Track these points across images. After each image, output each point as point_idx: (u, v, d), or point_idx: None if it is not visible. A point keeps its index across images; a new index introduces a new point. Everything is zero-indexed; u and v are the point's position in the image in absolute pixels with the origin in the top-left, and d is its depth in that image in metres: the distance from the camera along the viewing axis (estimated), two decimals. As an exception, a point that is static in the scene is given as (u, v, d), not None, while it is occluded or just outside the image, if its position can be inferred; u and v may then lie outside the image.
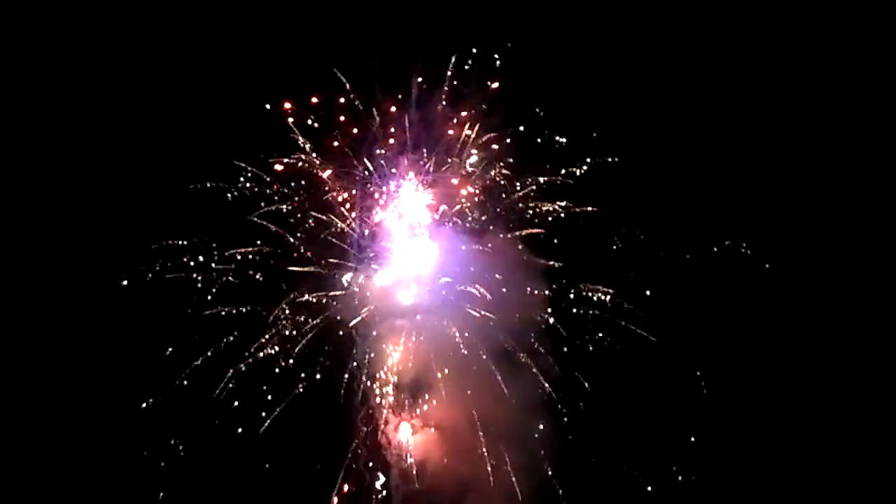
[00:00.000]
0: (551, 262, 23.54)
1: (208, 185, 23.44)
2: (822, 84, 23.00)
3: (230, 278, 23.66)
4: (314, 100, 23.96)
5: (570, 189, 23.79)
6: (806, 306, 22.27)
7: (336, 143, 24.21)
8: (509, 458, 22.85)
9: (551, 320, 23.46)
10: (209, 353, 22.91)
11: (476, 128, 23.83)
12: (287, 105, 23.82)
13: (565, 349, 23.27)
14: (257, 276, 23.88)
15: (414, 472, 23.70)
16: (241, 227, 23.71)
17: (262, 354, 23.38)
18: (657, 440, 22.51)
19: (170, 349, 22.80)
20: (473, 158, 24.26)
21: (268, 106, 23.66)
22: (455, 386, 23.56)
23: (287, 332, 23.63)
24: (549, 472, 22.91)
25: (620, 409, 22.97)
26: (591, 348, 23.44)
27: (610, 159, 23.52)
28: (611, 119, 23.05)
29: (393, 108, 24.02)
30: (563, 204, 23.72)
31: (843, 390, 21.69)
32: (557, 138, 23.76)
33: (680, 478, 22.51)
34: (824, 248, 22.41)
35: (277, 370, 23.33)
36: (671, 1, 22.21)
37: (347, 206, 24.38)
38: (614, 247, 23.61)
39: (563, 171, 23.85)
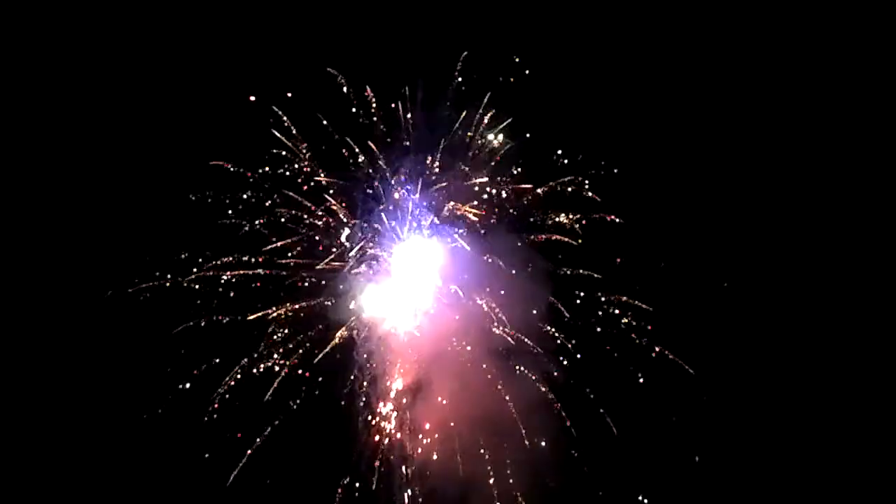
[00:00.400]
0: (562, 270, 23.40)
1: (201, 195, 22.77)
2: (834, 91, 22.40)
3: (225, 287, 23.16)
4: (311, 101, 23.17)
5: (580, 197, 23.39)
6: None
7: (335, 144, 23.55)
8: (510, 460, 22.99)
9: (553, 329, 23.30)
10: (206, 366, 22.63)
11: (484, 125, 23.32)
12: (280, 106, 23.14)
13: (564, 360, 23.18)
14: (254, 284, 23.36)
15: (416, 474, 23.62)
16: (236, 235, 23.26)
17: (260, 363, 23.10)
18: (659, 452, 22.62)
19: (167, 361, 22.44)
20: (499, 136, 23.48)
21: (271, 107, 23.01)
22: (457, 388, 23.49)
23: (286, 339, 23.32)
24: (551, 477, 23.03)
25: (624, 417, 22.91)
26: (597, 357, 23.32)
27: (617, 170, 23.10)
28: (619, 128, 22.38)
29: (395, 108, 23.32)
30: (573, 215, 23.31)
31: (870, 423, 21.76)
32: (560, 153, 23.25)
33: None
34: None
35: (278, 377, 22.99)
36: (687, 12, 21.21)
37: (347, 208, 23.84)
38: (619, 259, 23.21)
39: (571, 178, 23.36)
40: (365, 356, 23.71)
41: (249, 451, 22.54)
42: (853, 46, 21.22)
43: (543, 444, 23.00)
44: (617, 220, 23.04)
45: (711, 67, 21.89)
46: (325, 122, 23.32)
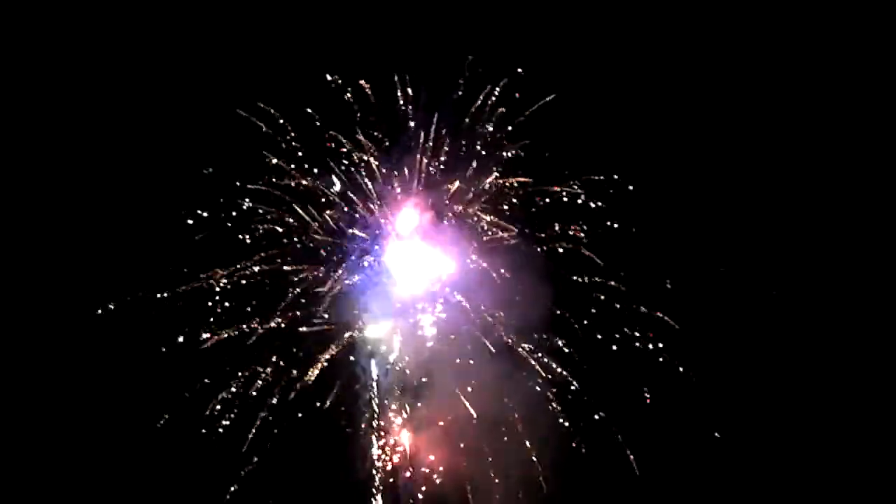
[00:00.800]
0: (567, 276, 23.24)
1: (191, 206, 22.38)
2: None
3: (219, 300, 22.84)
4: (306, 102, 22.84)
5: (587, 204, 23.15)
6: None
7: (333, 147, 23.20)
8: (513, 462, 23.05)
9: (557, 337, 23.24)
10: (199, 383, 22.41)
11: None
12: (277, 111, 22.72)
13: (570, 367, 23.07)
14: (249, 296, 23.06)
15: (420, 480, 23.75)
16: (229, 245, 22.89)
17: (259, 375, 22.86)
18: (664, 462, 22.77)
19: (160, 379, 22.19)
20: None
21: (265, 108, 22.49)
22: (461, 393, 23.42)
23: (283, 348, 23.11)
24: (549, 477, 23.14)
25: (624, 418, 23.06)
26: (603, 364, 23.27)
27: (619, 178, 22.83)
28: (625, 136, 22.09)
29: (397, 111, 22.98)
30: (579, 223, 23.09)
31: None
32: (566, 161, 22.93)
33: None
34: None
35: (276, 387, 22.85)
36: (692, 19, 20.67)
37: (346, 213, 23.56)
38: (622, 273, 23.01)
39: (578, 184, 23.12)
40: (365, 361, 23.67)
41: (256, 460, 22.44)
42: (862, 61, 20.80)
43: (548, 452, 23.02)
44: (616, 224, 22.97)
45: (720, 75, 21.46)
46: (320, 126, 23.01)
